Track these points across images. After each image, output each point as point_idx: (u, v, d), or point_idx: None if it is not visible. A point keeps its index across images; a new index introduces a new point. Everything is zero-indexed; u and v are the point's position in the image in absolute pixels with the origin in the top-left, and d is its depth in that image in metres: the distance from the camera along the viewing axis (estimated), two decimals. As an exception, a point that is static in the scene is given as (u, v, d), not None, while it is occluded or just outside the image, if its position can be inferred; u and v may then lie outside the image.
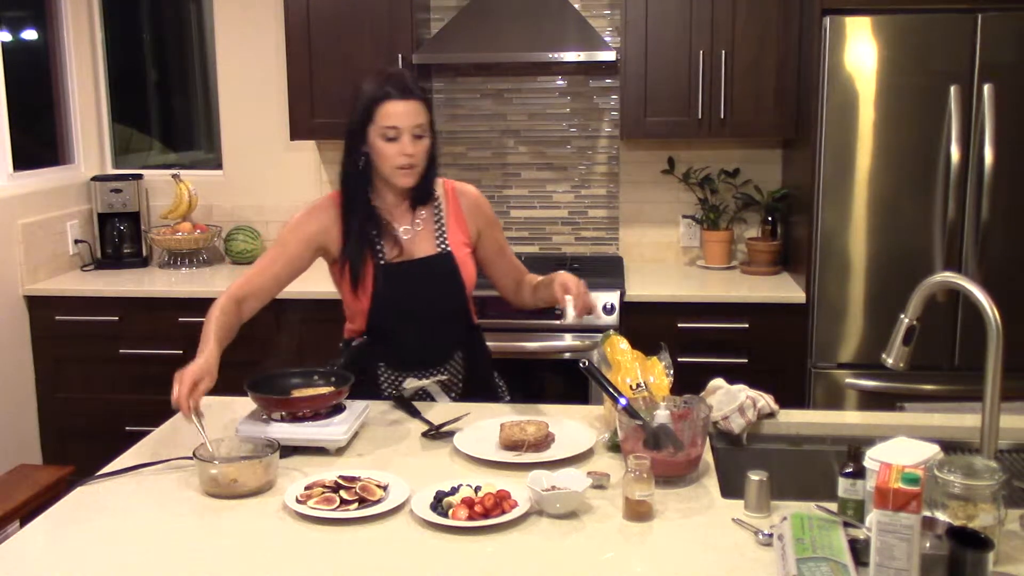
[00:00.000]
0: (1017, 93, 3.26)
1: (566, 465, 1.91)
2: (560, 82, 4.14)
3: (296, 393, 2.14)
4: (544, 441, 2.01)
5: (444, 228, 2.37)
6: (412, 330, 2.35)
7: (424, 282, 2.33)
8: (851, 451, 1.69)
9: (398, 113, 2.19)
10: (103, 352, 3.79)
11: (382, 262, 2.31)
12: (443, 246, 2.36)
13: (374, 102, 2.21)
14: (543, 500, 1.73)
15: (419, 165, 2.26)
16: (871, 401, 3.41)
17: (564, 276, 2.26)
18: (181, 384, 1.97)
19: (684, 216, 4.14)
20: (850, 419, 2.38)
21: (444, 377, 2.39)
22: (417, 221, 2.36)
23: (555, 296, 2.25)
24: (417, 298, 2.33)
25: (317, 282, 3.93)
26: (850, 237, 3.41)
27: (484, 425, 2.13)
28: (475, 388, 2.43)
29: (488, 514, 1.69)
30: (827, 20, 3.31)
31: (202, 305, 3.72)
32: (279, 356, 3.69)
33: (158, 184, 4.36)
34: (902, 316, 1.90)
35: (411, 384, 2.36)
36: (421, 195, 2.35)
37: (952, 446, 2.07)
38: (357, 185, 2.30)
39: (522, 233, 4.27)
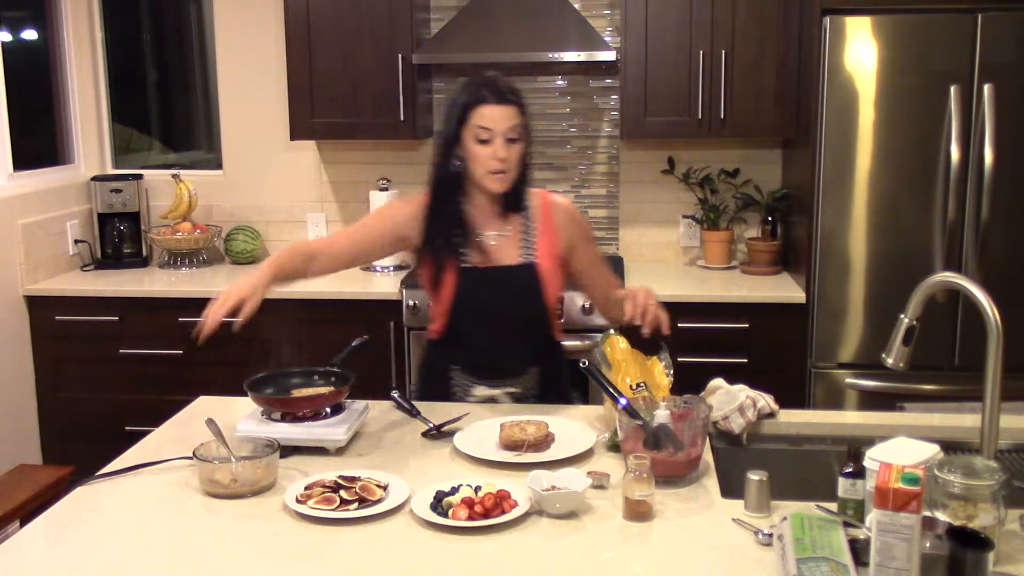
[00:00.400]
0: (1017, 93, 3.26)
1: (566, 465, 1.91)
2: (560, 82, 4.14)
3: (296, 393, 2.14)
4: (544, 441, 2.01)
5: (533, 239, 2.34)
6: (487, 337, 2.33)
7: (504, 290, 2.30)
8: (851, 451, 1.69)
9: (492, 116, 2.18)
10: (103, 352, 3.79)
11: (464, 266, 2.29)
12: (529, 257, 2.32)
13: (469, 106, 2.19)
14: (543, 500, 1.73)
15: (511, 171, 2.23)
16: (871, 401, 3.41)
17: (634, 292, 2.19)
18: (225, 301, 2.00)
19: (684, 216, 4.14)
20: (850, 419, 2.38)
21: (515, 390, 2.36)
22: (507, 229, 2.33)
23: (627, 312, 2.19)
24: (495, 305, 2.31)
25: (317, 282, 3.93)
26: (850, 237, 3.41)
27: (484, 425, 2.13)
28: (551, 404, 2.37)
29: (488, 514, 1.69)
30: (827, 20, 3.31)
31: (202, 305, 3.73)
32: (279, 356, 3.69)
33: (158, 184, 4.35)
34: (902, 316, 1.90)
35: (480, 392, 2.36)
36: (511, 203, 2.32)
37: (952, 446, 2.07)
38: (447, 189, 2.28)
39: (522, 233, 4.27)
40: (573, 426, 2.13)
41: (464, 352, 2.37)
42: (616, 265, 3.98)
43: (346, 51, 3.83)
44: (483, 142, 2.19)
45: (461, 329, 2.35)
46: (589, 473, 1.85)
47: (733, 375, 2.29)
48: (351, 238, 2.34)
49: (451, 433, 2.10)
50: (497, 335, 2.33)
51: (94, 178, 4.20)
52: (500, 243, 2.33)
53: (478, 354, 2.36)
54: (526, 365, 2.36)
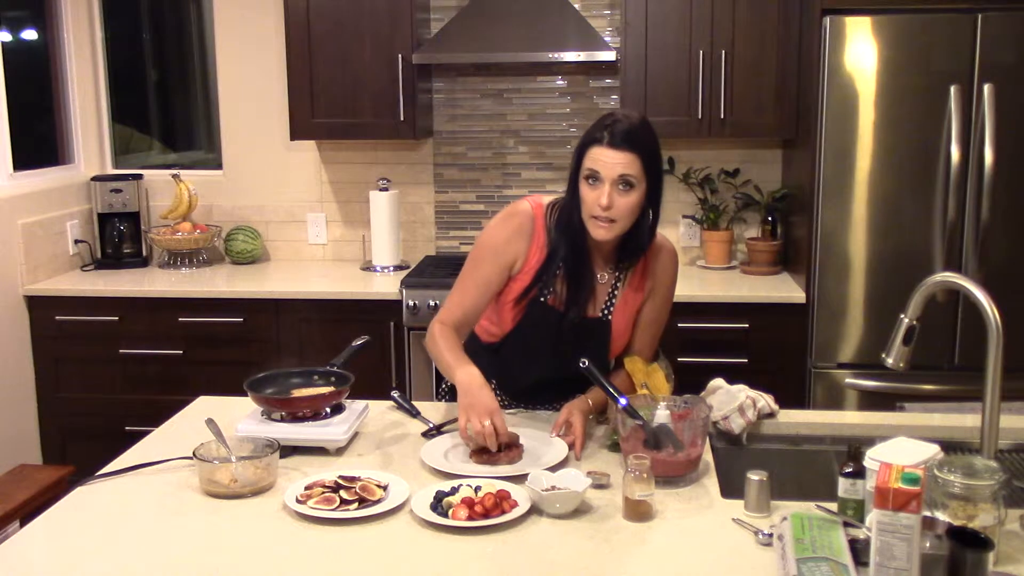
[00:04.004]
0: (1017, 93, 3.26)
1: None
2: (560, 82, 4.14)
3: (296, 393, 2.14)
4: (515, 450, 1.97)
5: (619, 290, 2.22)
6: (535, 374, 2.27)
7: (568, 340, 2.19)
8: (851, 451, 1.69)
9: (603, 159, 2.02)
10: (103, 352, 3.79)
11: (540, 299, 2.19)
12: (606, 312, 2.21)
13: (586, 143, 2.07)
14: (543, 500, 1.73)
15: (619, 221, 2.05)
16: (871, 401, 3.41)
17: (574, 424, 2.09)
18: (494, 419, 1.94)
19: (684, 216, 4.14)
20: (850, 419, 2.37)
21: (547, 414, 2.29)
22: (603, 274, 2.21)
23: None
24: (554, 351, 2.21)
25: (317, 282, 3.95)
26: (850, 237, 3.40)
27: (448, 436, 2.10)
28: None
29: (488, 514, 1.69)
30: (827, 20, 3.31)
31: (202, 305, 3.78)
32: (279, 356, 3.70)
33: (158, 184, 4.35)
34: (902, 316, 1.90)
35: (513, 412, 2.31)
36: (626, 254, 2.18)
37: (952, 446, 2.07)
38: (576, 225, 2.12)
39: (522, 233, 4.26)
40: (539, 435, 2.09)
41: (507, 379, 2.29)
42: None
43: (346, 51, 3.83)
44: (591, 185, 2.05)
45: (511, 356, 2.28)
46: (589, 473, 1.85)
47: (733, 375, 2.29)
48: (473, 295, 2.20)
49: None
50: (546, 376, 2.26)
51: (94, 178, 4.20)
52: (595, 286, 2.22)
53: (522, 383, 2.29)
54: (566, 398, 2.25)
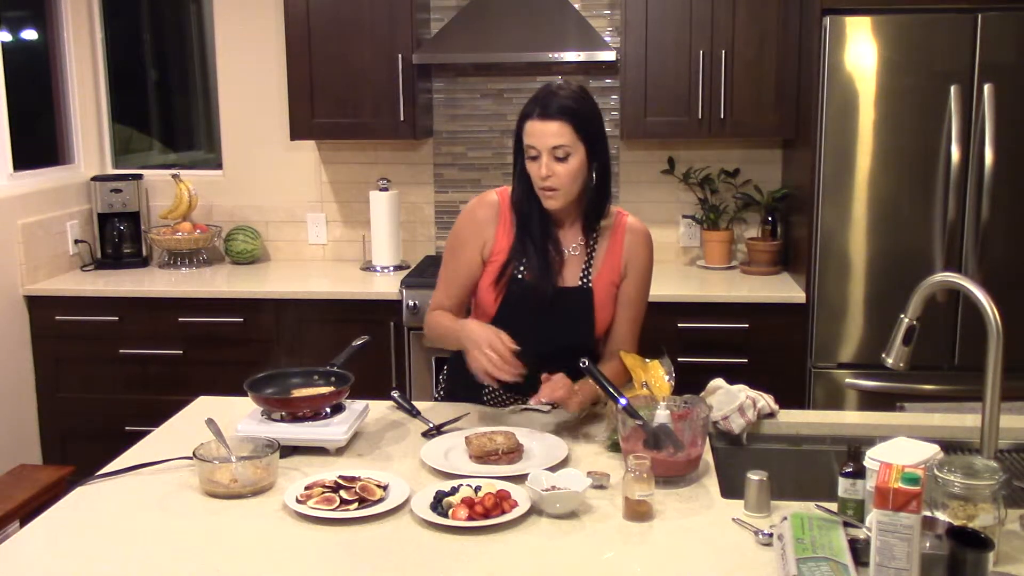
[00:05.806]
0: (1017, 93, 3.26)
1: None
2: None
3: (296, 393, 2.14)
4: (516, 451, 1.98)
5: (594, 260, 2.27)
6: (525, 356, 2.22)
7: (553, 312, 2.23)
8: (851, 451, 1.69)
9: (535, 133, 2.11)
10: (103, 352, 3.79)
11: (518, 276, 2.23)
12: (586, 280, 2.26)
13: (521, 118, 2.15)
14: (543, 500, 1.73)
15: (563, 188, 2.14)
16: (871, 401, 3.41)
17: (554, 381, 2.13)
18: (494, 346, 2.04)
19: (684, 216, 4.14)
20: (850, 419, 2.38)
21: (547, 409, 2.28)
22: (575, 245, 2.27)
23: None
24: (539, 325, 2.23)
25: (317, 282, 3.95)
26: (850, 237, 3.41)
27: (448, 436, 2.11)
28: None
29: (488, 514, 1.69)
30: (827, 20, 3.31)
31: (202, 305, 3.78)
32: (279, 356, 3.70)
33: (158, 184, 4.36)
34: (902, 316, 1.90)
35: (514, 409, 2.32)
36: (587, 218, 2.25)
37: (952, 446, 2.07)
38: (528, 199, 2.21)
39: (522, 233, 4.26)
40: (538, 435, 2.09)
41: None
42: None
43: (346, 51, 3.83)
44: (532, 158, 2.14)
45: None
46: (589, 473, 1.85)
47: (733, 375, 2.29)
48: (457, 282, 2.31)
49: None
50: (537, 353, 2.22)
51: (94, 178, 4.20)
52: (568, 258, 2.26)
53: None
54: None
